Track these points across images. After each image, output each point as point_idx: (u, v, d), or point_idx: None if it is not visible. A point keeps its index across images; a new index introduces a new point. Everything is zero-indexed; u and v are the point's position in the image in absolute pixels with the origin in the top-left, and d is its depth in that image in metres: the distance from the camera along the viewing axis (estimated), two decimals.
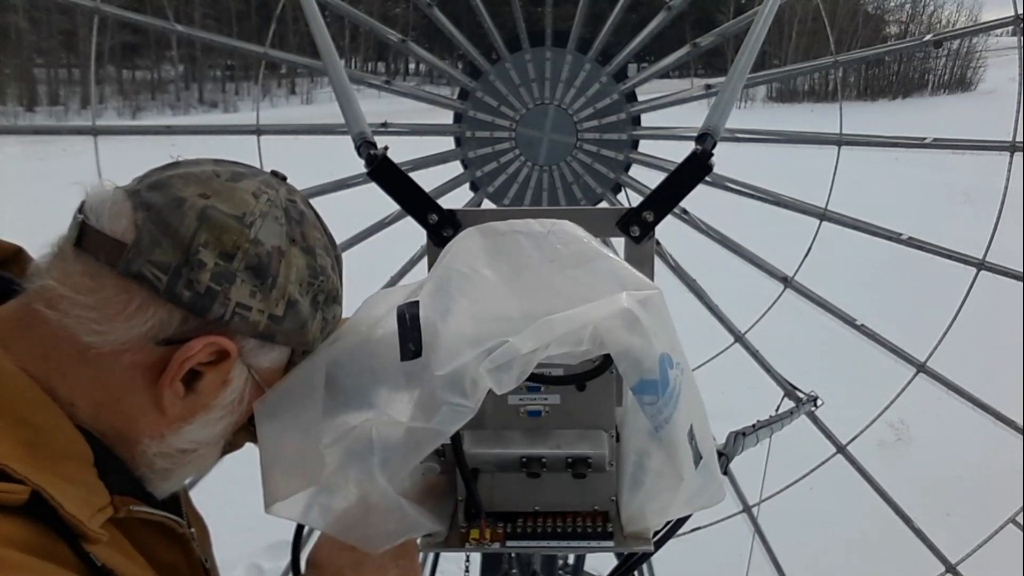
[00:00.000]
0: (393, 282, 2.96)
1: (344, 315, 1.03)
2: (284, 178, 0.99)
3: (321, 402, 0.93)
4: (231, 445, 1.25)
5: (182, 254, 0.84)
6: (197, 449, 0.94)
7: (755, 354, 3.00)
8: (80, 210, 0.87)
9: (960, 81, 40.62)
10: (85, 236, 0.85)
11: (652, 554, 1.07)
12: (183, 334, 0.85)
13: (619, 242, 1.39)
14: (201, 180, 0.88)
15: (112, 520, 0.85)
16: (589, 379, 1.00)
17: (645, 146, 3.04)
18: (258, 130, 2.96)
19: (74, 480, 0.81)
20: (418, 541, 1.04)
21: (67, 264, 0.85)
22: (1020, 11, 2.64)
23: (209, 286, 0.85)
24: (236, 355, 0.89)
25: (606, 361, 0.98)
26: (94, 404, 0.86)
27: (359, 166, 1.39)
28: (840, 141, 2.93)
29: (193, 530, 1.02)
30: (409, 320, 0.93)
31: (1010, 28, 2.78)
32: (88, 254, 0.84)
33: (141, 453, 0.90)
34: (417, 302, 0.94)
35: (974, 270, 2.76)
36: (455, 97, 3.06)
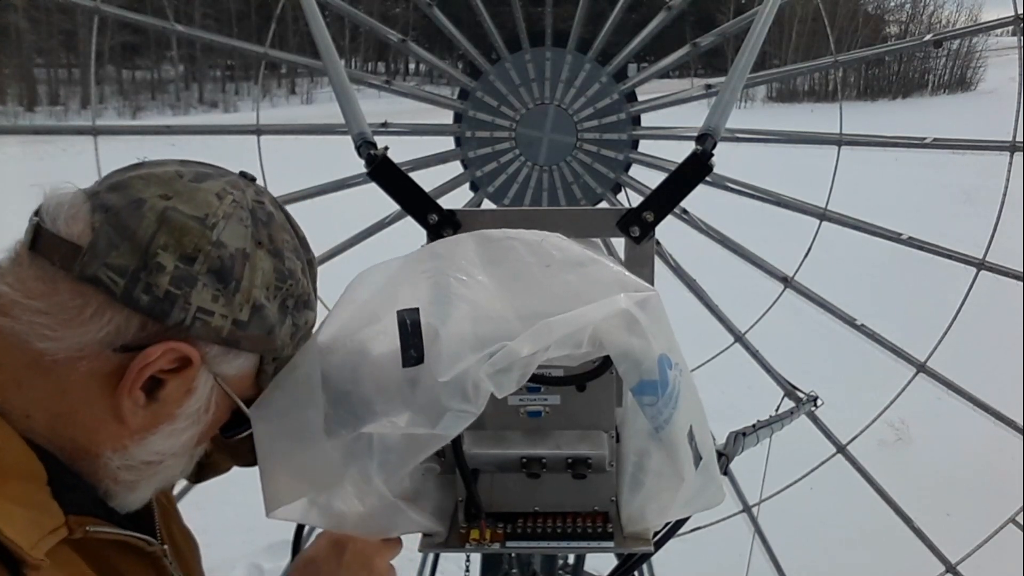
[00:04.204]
0: None
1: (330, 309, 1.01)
2: (253, 179, 0.96)
3: (321, 405, 0.93)
4: (215, 469, 1.24)
5: (140, 257, 0.81)
6: (163, 460, 0.90)
7: (755, 354, 3.00)
8: (36, 212, 0.84)
9: (960, 81, 40.60)
10: (40, 239, 0.82)
11: (652, 554, 1.07)
12: (142, 340, 0.82)
13: (619, 242, 1.39)
14: (163, 181, 0.86)
15: (69, 541, 0.81)
16: (589, 380, 1.00)
17: (645, 146, 3.04)
18: (258, 130, 2.96)
19: (22, 501, 0.77)
20: (418, 541, 1.04)
21: (22, 269, 0.83)
22: (1020, 11, 2.64)
23: (168, 290, 0.82)
24: (199, 362, 0.85)
25: (606, 362, 0.98)
26: (51, 415, 0.83)
27: (359, 166, 1.38)
28: (840, 141, 2.93)
29: (166, 547, 0.99)
30: (410, 326, 0.92)
31: (1010, 28, 2.78)
32: (43, 258, 0.82)
33: (104, 466, 0.87)
34: (417, 308, 0.94)
35: (974, 270, 2.76)
36: (455, 97, 3.06)
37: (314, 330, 1.00)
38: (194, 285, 0.83)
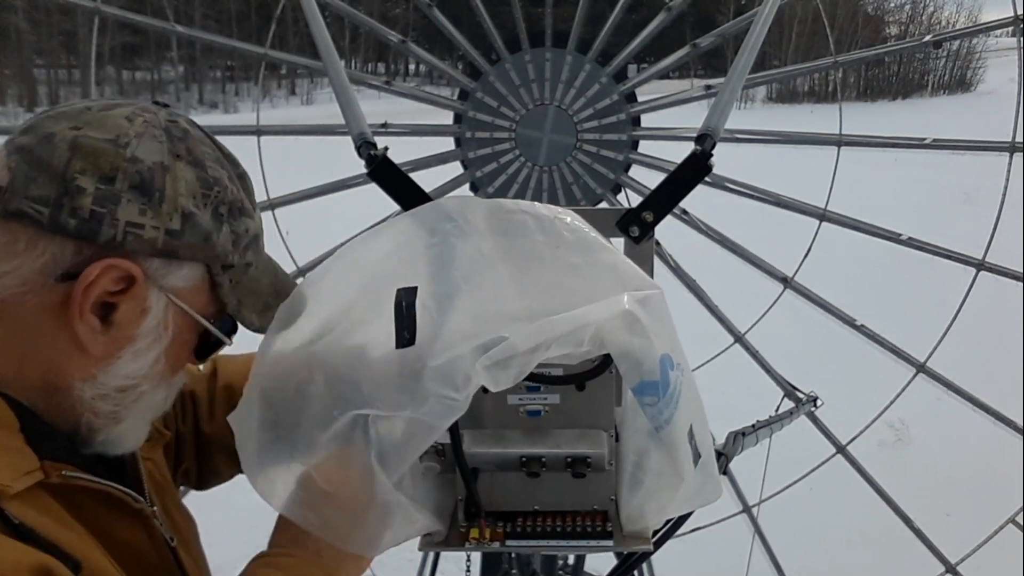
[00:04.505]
0: None
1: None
2: (166, 106, 0.97)
3: (318, 399, 0.93)
4: (218, 476, 1.24)
5: (59, 185, 0.83)
6: (137, 385, 0.92)
7: (755, 354, 3.00)
8: None
9: (960, 82, 40.60)
10: None
11: (651, 553, 1.07)
12: (80, 265, 0.84)
13: (619, 242, 1.39)
14: (72, 115, 0.88)
15: (48, 488, 0.84)
16: (589, 379, 1.00)
17: (645, 146, 3.04)
18: (258, 131, 2.97)
19: None
20: (418, 540, 1.04)
21: None
22: (1020, 12, 2.65)
23: (93, 210, 0.83)
24: (142, 278, 0.87)
25: (606, 361, 0.98)
26: (16, 359, 0.86)
27: (359, 166, 1.39)
28: (840, 141, 2.94)
29: (156, 508, 1.01)
30: (405, 308, 0.92)
31: (1010, 29, 2.79)
32: None
33: (78, 399, 0.89)
34: (415, 288, 0.94)
35: (974, 270, 2.77)
36: (455, 98, 3.07)
37: (303, 287, 1.01)
38: (118, 202, 0.84)
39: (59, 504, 0.85)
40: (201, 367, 1.29)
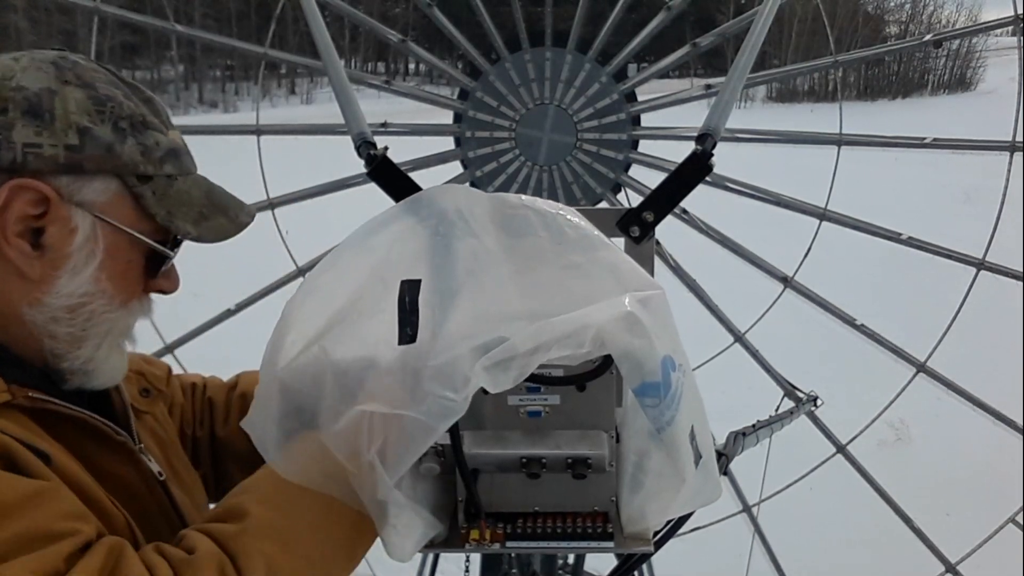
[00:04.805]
0: None
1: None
2: (61, 50, 1.00)
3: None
4: (232, 481, 1.25)
5: None
6: (86, 304, 0.95)
7: (755, 354, 3.00)
8: None
9: (960, 81, 40.62)
10: None
11: (652, 554, 1.07)
12: None
13: (619, 242, 1.39)
14: None
15: (25, 412, 0.89)
16: (589, 380, 1.00)
17: (645, 146, 3.04)
18: (258, 130, 2.96)
19: None
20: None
21: None
22: (1020, 11, 2.64)
23: None
24: (55, 196, 0.90)
25: (606, 362, 0.97)
26: None
27: (359, 166, 1.39)
28: (840, 141, 2.93)
29: (142, 445, 1.05)
30: (408, 304, 0.92)
31: (1010, 28, 2.78)
32: None
33: (32, 325, 0.93)
34: (419, 282, 0.93)
35: (974, 270, 2.77)
36: (455, 97, 3.06)
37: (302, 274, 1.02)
38: (12, 127, 0.88)
39: (40, 428, 0.89)
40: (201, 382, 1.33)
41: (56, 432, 0.91)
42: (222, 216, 1.04)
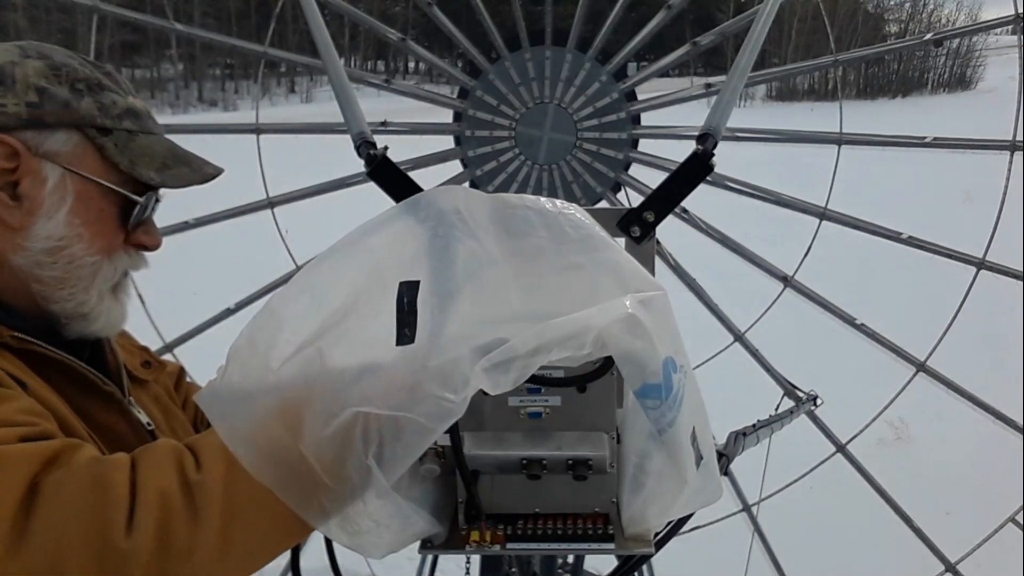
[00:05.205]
0: None
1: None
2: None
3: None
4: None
5: None
6: (64, 247, 1.03)
7: (755, 353, 3.00)
8: None
9: (960, 80, 40.61)
10: None
11: (652, 555, 1.07)
12: None
13: (619, 242, 1.39)
14: None
15: (13, 352, 0.96)
16: (590, 381, 1.00)
17: (645, 145, 3.04)
18: (257, 129, 2.96)
19: None
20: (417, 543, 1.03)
21: None
22: (1020, 10, 2.64)
23: None
24: (23, 149, 1.00)
25: (607, 363, 0.97)
26: None
27: (359, 165, 1.38)
28: (840, 140, 2.93)
29: (131, 397, 1.12)
30: (407, 304, 0.91)
31: (1010, 27, 2.78)
32: None
33: (18, 269, 1.03)
34: (418, 283, 0.93)
35: (974, 269, 2.76)
36: (455, 96, 3.06)
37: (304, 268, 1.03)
38: None
39: (28, 369, 0.96)
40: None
41: (45, 377, 0.98)
42: (185, 167, 1.10)
